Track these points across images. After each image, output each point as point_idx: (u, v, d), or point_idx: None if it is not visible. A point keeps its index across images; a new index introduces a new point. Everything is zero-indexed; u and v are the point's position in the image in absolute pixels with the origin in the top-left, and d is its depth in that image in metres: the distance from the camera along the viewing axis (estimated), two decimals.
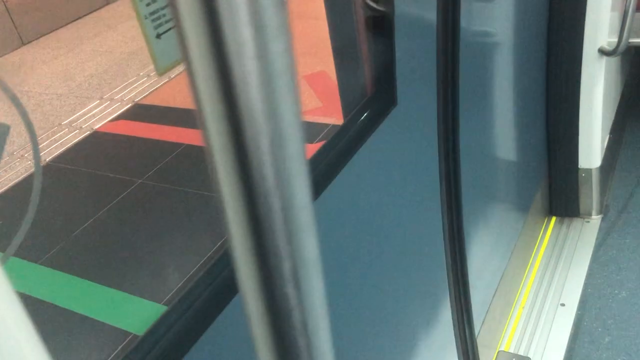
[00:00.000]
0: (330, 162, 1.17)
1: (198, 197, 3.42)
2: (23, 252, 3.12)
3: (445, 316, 1.84)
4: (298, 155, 0.28)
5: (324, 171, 1.15)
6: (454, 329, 1.87)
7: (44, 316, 2.73)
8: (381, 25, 1.27)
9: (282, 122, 0.27)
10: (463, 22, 1.63)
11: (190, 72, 0.25)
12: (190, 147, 3.90)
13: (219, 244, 2.99)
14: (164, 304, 2.73)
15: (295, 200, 0.29)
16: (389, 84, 1.30)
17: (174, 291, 2.82)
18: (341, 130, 1.23)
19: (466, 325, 1.86)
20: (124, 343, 2.55)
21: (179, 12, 0.24)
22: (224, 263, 0.92)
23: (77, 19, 6.60)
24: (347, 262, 1.26)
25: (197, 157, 3.76)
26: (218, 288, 0.90)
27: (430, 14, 1.43)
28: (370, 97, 1.32)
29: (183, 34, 0.25)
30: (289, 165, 0.28)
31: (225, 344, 0.91)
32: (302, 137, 0.28)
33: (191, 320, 0.88)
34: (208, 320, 0.88)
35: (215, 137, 0.27)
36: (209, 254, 2.95)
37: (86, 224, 3.33)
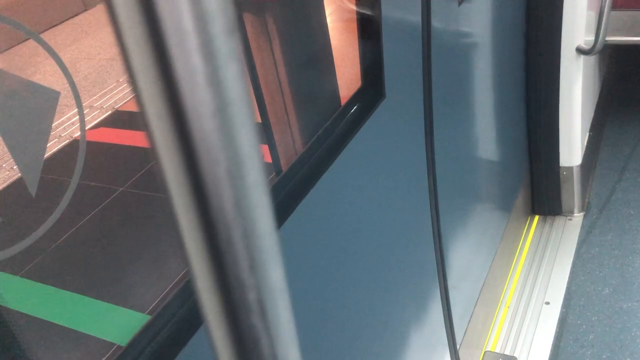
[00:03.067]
0: (322, 154, 1.19)
1: None
2: (1, 265, 3.06)
3: (435, 316, 1.84)
4: (257, 183, 0.27)
5: (316, 163, 1.16)
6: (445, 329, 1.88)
7: (25, 329, 2.68)
8: (369, 23, 1.30)
9: (238, 151, 0.25)
10: (442, 24, 1.65)
11: (140, 103, 0.24)
12: None
13: None
14: (147, 313, 2.70)
15: (257, 229, 0.28)
16: (378, 78, 1.32)
17: (158, 300, 2.79)
18: (332, 123, 1.25)
19: (447, 326, 1.86)
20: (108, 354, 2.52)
21: (125, 40, 0.23)
22: None
23: (53, 26, 6.52)
24: (338, 255, 1.28)
25: None
26: None
27: (416, 15, 1.47)
28: (360, 90, 1.35)
29: (130, 63, 0.23)
30: (249, 194, 0.27)
31: (210, 353, 0.89)
32: (261, 165, 0.27)
33: (175, 329, 0.87)
34: (192, 328, 0.87)
35: (169, 168, 0.25)
36: None
37: (67, 234, 3.29)
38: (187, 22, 0.22)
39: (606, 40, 2.48)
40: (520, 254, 2.78)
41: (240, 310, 0.30)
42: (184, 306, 0.88)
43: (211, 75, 0.23)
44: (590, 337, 2.37)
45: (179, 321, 0.87)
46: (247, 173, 0.26)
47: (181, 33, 0.23)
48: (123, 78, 5.19)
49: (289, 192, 1.12)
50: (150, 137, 0.25)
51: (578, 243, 2.80)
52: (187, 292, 0.90)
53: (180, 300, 0.89)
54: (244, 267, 0.29)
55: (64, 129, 4.68)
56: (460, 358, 1.99)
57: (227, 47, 0.23)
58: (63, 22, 6.64)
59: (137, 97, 0.24)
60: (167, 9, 0.22)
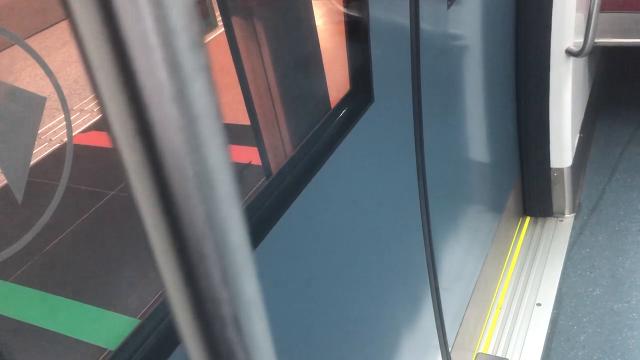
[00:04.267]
0: (311, 158, 1.19)
1: None
2: None
3: (427, 319, 1.84)
4: (228, 197, 0.27)
5: (305, 166, 1.17)
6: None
7: (15, 335, 2.66)
8: (357, 27, 1.30)
9: (208, 165, 0.25)
10: (430, 27, 1.65)
11: (106, 118, 0.24)
12: None
13: None
14: (138, 317, 2.68)
15: (229, 243, 0.28)
16: (366, 82, 1.32)
17: (148, 304, 2.78)
18: (321, 126, 1.26)
19: (438, 328, 1.86)
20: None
21: (89, 54, 0.22)
22: None
23: (43, 29, 6.49)
24: (328, 258, 1.28)
25: None
26: None
27: (404, 18, 1.47)
28: (348, 94, 1.35)
29: (95, 78, 0.23)
30: (219, 208, 0.27)
31: None
32: (232, 178, 0.27)
33: (165, 333, 0.86)
34: None
35: (138, 183, 0.25)
36: None
37: (58, 239, 3.27)
38: (152, 37, 0.22)
39: (595, 42, 2.49)
40: (511, 255, 2.78)
41: (215, 325, 0.30)
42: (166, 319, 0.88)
43: (178, 90, 0.23)
44: (582, 338, 2.38)
45: (169, 325, 0.87)
46: (217, 187, 0.26)
47: (146, 48, 0.22)
48: None
49: (278, 196, 1.12)
50: (117, 152, 0.24)
51: (569, 244, 2.81)
52: None
53: (162, 313, 0.88)
54: (217, 281, 0.29)
55: (54, 132, 4.66)
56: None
57: (193, 62, 0.23)
58: (53, 25, 6.61)
59: (103, 112, 0.24)
60: (132, 25, 0.22)
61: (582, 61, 2.83)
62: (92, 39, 0.22)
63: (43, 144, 4.45)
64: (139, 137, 0.24)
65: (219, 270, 0.28)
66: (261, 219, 1.06)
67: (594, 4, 2.39)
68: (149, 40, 0.22)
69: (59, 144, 4.40)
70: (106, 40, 0.22)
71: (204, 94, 0.24)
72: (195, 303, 0.29)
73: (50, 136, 4.52)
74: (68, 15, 0.22)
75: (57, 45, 6.09)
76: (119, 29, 0.22)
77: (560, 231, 2.88)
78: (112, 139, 0.24)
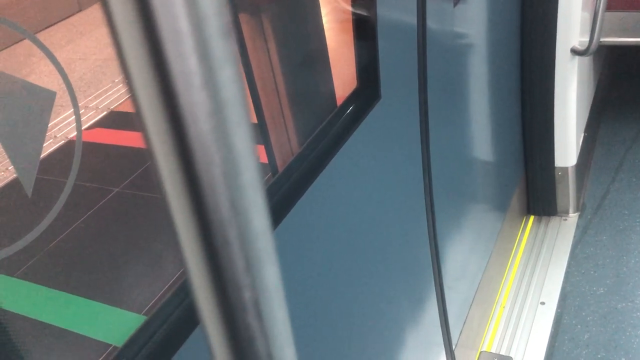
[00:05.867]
0: (318, 155, 1.20)
1: None
2: None
3: (431, 316, 1.84)
4: (253, 184, 0.27)
5: (312, 163, 1.17)
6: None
7: (22, 330, 2.67)
8: (365, 25, 1.31)
9: (234, 152, 0.26)
10: (437, 25, 1.65)
11: (136, 104, 0.24)
12: None
13: None
14: (144, 314, 2.69)
15: (253, 229, 0.28)
16: (373, 79, 1.33)
17: (153, 301, 2.78)
18: (328, 123, 1.26)
19: (442, 326, 1.87)
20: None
21: (121, 42, 0.23)
22: None
23: (48, 27, 6.50)
24: (334, 255, 1.28)
25: None
26: None
27: (411, 16, 1.48)
28: (356, 91, 1.36)
29: (127, 65, 0.23)
30: (244, 195, 0.27)
31: (205, 354, 0.89)
32: (257, 165, 0.27)
33: (171, 330, 0.87)
34: (188, 328, 0.87)
35: (165, 169, 0.26)
36: None
37: (63, 235, 3.28)
38: (183, 24, 0.23)
39: (601, 41, 2.49)
40: (515, 254, 2.79)
41: (237, 310, 0.30)
42: (179, 307, 0.88)
43: (207, 77, 0.24)
44: (586, 336, 2.38)
45: (175, 322, 0.87)
46: (242, 174, 0.26)
47: (177, 35, 0.23)
48: (118, 79, 5.18)
49: (285, 193, 1.13)
50: (146, 138, 0.25)
51: (573, 243, 2.81)
52: (182, 293, 0.90)
53: (176, 301, 0.89)
54: (240, 267, 0.29)
55: (60, 129, 4.67)
56: (456, 358, 2.00)
57: (222, 50, 0.24)
58: (58, 22, 6.62)
59: (133, 98, 0.24)
60: (163, 12, 0.22)
61: (587, 60, 2.82)
62: (125, 25, 0.22)
63: (48, 141, 4.46)
64: (168, 123, 0.24)
65: (242, 257, 0.29)
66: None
67: (599, 3, 2.39)
68: (180, 27, 0.23)
69: (64, 141, 4.41)
70: (138, 27, 0.22)
71: (232, 81, 0.24)
72: (218, 288, 0.29)
73: (55, 133, 4.53)
74: (102, 3, 0.23)
75: (62, 42, 6.11)
76: (151, 17, 0.22)
77: (565, 230, 2.88)
78: (141, 124, 0.25)
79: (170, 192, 0.26)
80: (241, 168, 0.26)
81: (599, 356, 2.29)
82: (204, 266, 0.29)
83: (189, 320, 0.87)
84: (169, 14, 0.22)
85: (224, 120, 0.25)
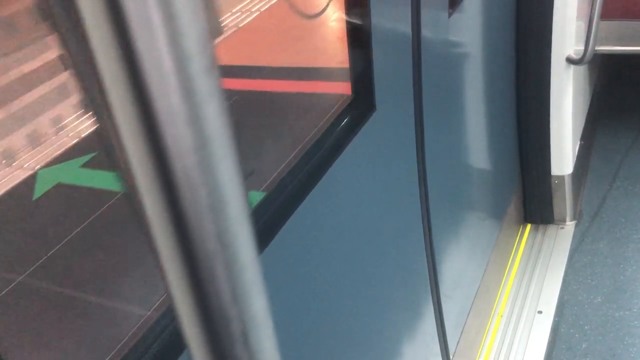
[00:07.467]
0: (313, 167, 1.20)
1: None
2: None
3: (428, 326, 1.84)
4: (239, 217, 0.27)
5: (307, 175, 1.17)
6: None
7: None
8: (359, 35, 1.31)
9: (220, 186, 0.26)
10: (432, 35, 1.66)
11: (120, 140, 0.24)
12: None
13: None
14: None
15: (239, 261, 0.28)
16: (368, 90, 1.33)
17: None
18: (323, 135, 1.26)
19: (440, 336, 1.86)
20: None
21: (104, 77, 0.23)
22: None
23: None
24: (330, 266, 1.28)
25: None
26: None
27: (406, 26, 1.48)
28: (351, 102, 1.36)
29: (110, 101, 0.23)
30: (230, 228, 0.27)
31: None
32: (243, 198, 0.27)
33: (162, 349, 0.86)
34: (178, 350, 0.86)
35: (151, 202, 0.25)
36: None
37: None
38: (167, 61, 0.22)
39: (596, 50, 2.50)
40: (512, 262, 2.78)
41: (224, 341, 0.30)
42: (165, 331, 0.87)
43: (191, 113, 0.24)
44: (583, 345, 2.37)
45: (166, 341, 0.86)
46: (228, 207, 0.26)
47: (161, 72, 0.23)
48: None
49: (280, 204, 1.12)
50: (130, 173, 0.25)
51: (570, 251, 2.80)
52: (167, 318, 0.89)
53: (161, 326, 0.88)
54: (227, 299, 0.29)
55: None
56: None
57: (206, 86, 0.23)
58: None
59: (117, 134, 0.24)
60: (147, 50, 0.22)
61: (582, 69, 2.83)
62: (107, 64, 0.22)
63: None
64: (153, 158, 0.24)
65: (229, 288, 0.28)
66: (264, 227, 1.07)
67: (594, 11, 2.40)
68: (164, 64, 0.22)
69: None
70: (122, 65, 0.22)
71: (216, 116, 0.24)
72: (205, 320, 0.29)
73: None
74: (83, 37, 0.23)
75: None
76: (135, 55, 0.22)
77: (561, 238, 2.88)
78: (125, 160, 0.25)
79: (156, 226, 0.26)
80: (227, 202, 0.26)
81: None
82: (191, 299, 0.28)
83: (179, 341, 0.86)
84: (152, 52, 0.22)
85: (209, 155, 0.25)
